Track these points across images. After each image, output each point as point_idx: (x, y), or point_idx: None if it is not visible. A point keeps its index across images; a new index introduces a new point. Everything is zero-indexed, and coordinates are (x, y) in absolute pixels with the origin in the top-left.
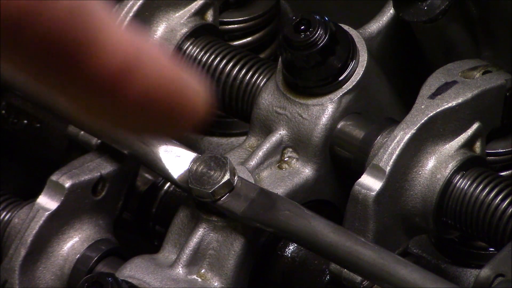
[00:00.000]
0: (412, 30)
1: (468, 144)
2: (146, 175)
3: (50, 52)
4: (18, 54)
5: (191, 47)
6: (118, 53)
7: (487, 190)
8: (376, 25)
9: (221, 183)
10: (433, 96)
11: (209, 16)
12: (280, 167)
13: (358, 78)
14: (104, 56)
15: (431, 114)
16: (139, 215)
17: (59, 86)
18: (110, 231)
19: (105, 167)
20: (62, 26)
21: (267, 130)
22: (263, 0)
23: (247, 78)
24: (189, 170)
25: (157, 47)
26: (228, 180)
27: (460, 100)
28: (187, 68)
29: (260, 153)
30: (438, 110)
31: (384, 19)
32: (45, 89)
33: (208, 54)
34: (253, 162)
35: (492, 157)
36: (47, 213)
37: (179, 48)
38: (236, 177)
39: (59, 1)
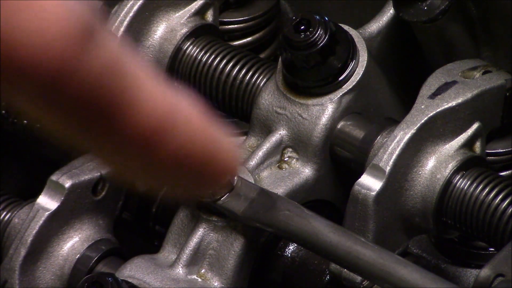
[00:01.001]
0: (412, 30)
1: (468, 144)
2: None
3: (87, 108)
4: (58, 110)
5: (191, 47)
6: (153, 113)
7: (487, 190)
8: (376, 25)
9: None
10: (433, 96)
11: (209, 16)
12: (280, 167)
13: (358, 78)
14: (139, 115)
15: (431, 114)
16: (139, 215)
17: (98, 142)
18: (110, 231)
19: (105, 167)
20: (98, 83)
21: (267, 130)
22: (263, 0)
23: (247, 78)
24: None
25: (191, 105)
26: (228, 180)
27: (460, 100)
28: (219, 126)
29: (260, 153)
30: (438, 110)
31: (384, 19)
32: (86, 143)
33: (208, 54)
34: (253, 162)
35: (492, 157)
36: (47, 213)
37: (179, 48)
38: (236, 177)
39: (94, 60)
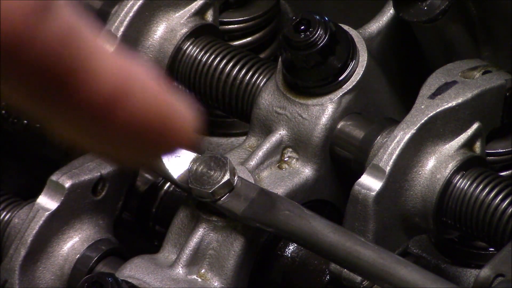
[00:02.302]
0: (412, 30)
1: (468, 144)
2: (146, 175)
3: (43, 77)
4: (12, 77)
5: (191, 47)
6: (108, 79)
7: (487, 190)
8: (376, 25)
9: (221, 183)
10: (433, 96)
11: (209, 16)
12: (280, 167)
13: (358, 78)
14: (95, 82)
15: (431, 114)
16: (139, 215)
17: (52, 108)
18: (110, 231)
19: (105, 167)
20: (54, 52)
21: (267, 130)
22: (263, 0)
23: (247, 78)
24: (189, 170)
25: (147, 71)
26: (228, 180)
27: (460, 100)
28: (176, 90)
29: (260, 153)
30: (438, 110)
31: (384, 19)
32: (39, 110)
33: (208, 54)
34: (253, 162)
35: (492, 157)
36: (47, 213)
37: (179, 48)
38: (236, 177)
39: (50, 28)
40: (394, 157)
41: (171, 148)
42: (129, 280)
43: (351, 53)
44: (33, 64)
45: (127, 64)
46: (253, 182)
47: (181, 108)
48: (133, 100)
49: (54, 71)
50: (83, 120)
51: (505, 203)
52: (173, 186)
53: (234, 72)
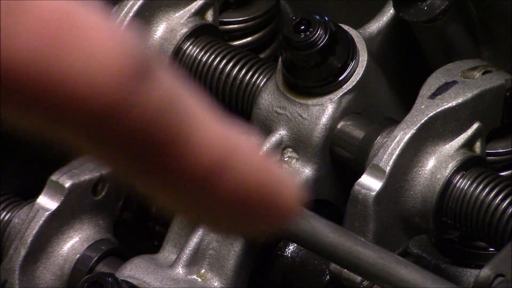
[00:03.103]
0: (412, 30)
1: (468, 144)
2: None
3: (141, 147)
4: (109, 148)
5: (191, 47)
6: (210, 150)
7: (487, 190)
8: (376, 25)
9: None
10: (433, 96)
11: (209, 16)
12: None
13: (358, 78)
14: (195, 153)
15: (431, 114)
16: (139, 215)
17: (152, 179)
18: (110, 231)
19: (105, 167)
20: (153, 122)
21: (267, 130)
22: (263, 0)
23: (247, 78)
24: None
25: (249, 141)
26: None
27: (460, 100)
28: (278, 164)
29: None
30: (438, 110)
31: (384, 19)
32: (139, 180)
33: (208, 54)
34: None
35: (492, 157)
36: (47, 213)
37: (179, 48)
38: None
39: (150, 95)
40: (394, 157)
41: (274, 221)
42: (129, 280)
43: (351, 53)
44: (130, 134)
45: (229, 134)
46: None
47: (285, 181)
48: (235, 171)
49: (152, 142)
50: (184, 191)
51: (505, 203)
52: None
53: (234, 72)
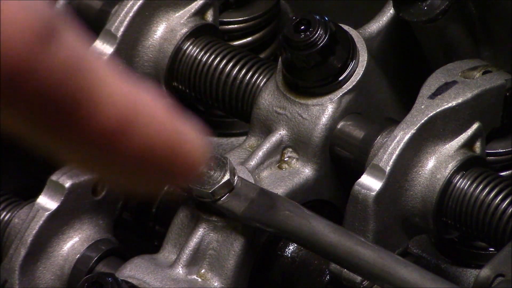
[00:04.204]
0: (412, 30)
1: (468, 144)
2: None
3: (47, 106)
4: (15, 108)
5: (191, 47)
6: (114, 108)
7: (487, 190)
8: (376, 25)
9: (221, 183)
10: (433, 96)
11: (209, 16)
12: (280, 167)
13: (358, 78)
14: (100, 111)
15: (431, 114)
16: (139, 215)
17: (58, 138)
18: (110, 231)
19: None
20: (58, 81)
21: (267, 130)
22: (263, 0)
23: (247, 78)
24: None
25: (154, 97)
26: (228, 180)
27: (460, 100)
28: (185, 118)
29: (260, 153)
30: (438, 110)
31: (384, 19)
32: (44, 140)
33: (208, 54)
34: (253, 162)
35: (492, 157)
36: (47, 213)
37: (179, 48)
38: (236, 177)
39: (55, 56)
40: (394, 157)
41: (182, 175)
42: (129, 280)
43: (351, 53)
44: (36, 94)
45: (133, 92)
46: (253, 182)
47: (190, 134)
48: (140, 128)
49: (58, 100)
50: (91, 149)
51: (505, 203)
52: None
53: (234, 72)
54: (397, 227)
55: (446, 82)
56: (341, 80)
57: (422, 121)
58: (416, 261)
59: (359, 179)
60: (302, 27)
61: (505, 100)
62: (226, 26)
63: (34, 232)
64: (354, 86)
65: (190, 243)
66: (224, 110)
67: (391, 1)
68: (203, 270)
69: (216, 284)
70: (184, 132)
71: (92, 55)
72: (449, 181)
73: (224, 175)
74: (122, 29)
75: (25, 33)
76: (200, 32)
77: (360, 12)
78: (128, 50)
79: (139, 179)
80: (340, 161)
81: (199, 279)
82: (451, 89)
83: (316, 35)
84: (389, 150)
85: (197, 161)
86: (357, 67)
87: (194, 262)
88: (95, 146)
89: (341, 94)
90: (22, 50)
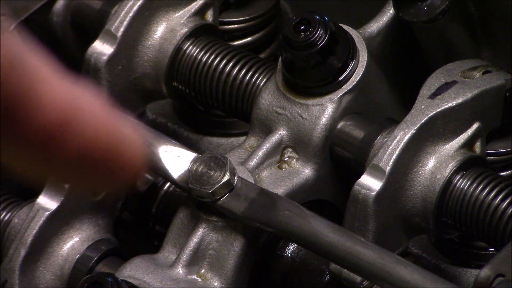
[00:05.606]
0: (412, 30)
1: (468, 144)
2: (146, 175)
3: None
4: None
5: (191, 47)
6: (52, 108)
7: (487, 190)
8: (376, 25)
9: (221, 183)
10: (433, 96)
11: (209, 16)
12: (280, 167)
13: (358, 78)
14: (39, 111)
15: (431, 114)
16: (139, 215)
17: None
18: (110, 231)
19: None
20: None
21: (267, 130)
22: (263, 0)
23: (247, 78)
24: (189, 170)
25: (92, 98)
26: (228, 180)
27: (460, 100)
28: (122, 118)
29: (260, 153)
30: (438, 110)
31: (384, 19)
32: None
33: (208, 54)
34: (253, 162)
35: (492, 157)
36: (47, 213)
37: (179, 48)
38: (236, 177)
39: None
40: (394, 157)
41: (120, 174)
42: (129, 280)
43: (351, 53)
44: None
45: (72, 92)
46: (253, 182)
47: (127, 134)
48: (79, 128)
49: None
50: (32, 150)
51: (505, 203)
52: (173, 186)
53: (234, 72)
54: (397, 227)
55: (446, 82)
56: (341, 80)
57: (422, 121)
58: (416, 261)
59: (359, 179)
60: (302, 27)
61: (505, 100)
62: (226, 26)
63: (34, 232)
64: (354, 86)
65: (190, 243)
66: (224, 110)
67: (391, 1)
68: (203, 270)
69: (216, 284)
70: (122, 132)
71: (32, 56)
72: (449, 181)
73: (224, 175)
74: (122, 29)
75: None
76: (200, 32)
77: (360, 12)
78: (128, 50)
79: (83, 177)
80: (340, 161)
81: (199, 279)
82: (451, 89)
83: (316, 35)
84: (389, 150)
85: (134, 161)
86: (357, 67)
87: (194, 262)
88: (34, 144)
89: (341, 94)
90: None
